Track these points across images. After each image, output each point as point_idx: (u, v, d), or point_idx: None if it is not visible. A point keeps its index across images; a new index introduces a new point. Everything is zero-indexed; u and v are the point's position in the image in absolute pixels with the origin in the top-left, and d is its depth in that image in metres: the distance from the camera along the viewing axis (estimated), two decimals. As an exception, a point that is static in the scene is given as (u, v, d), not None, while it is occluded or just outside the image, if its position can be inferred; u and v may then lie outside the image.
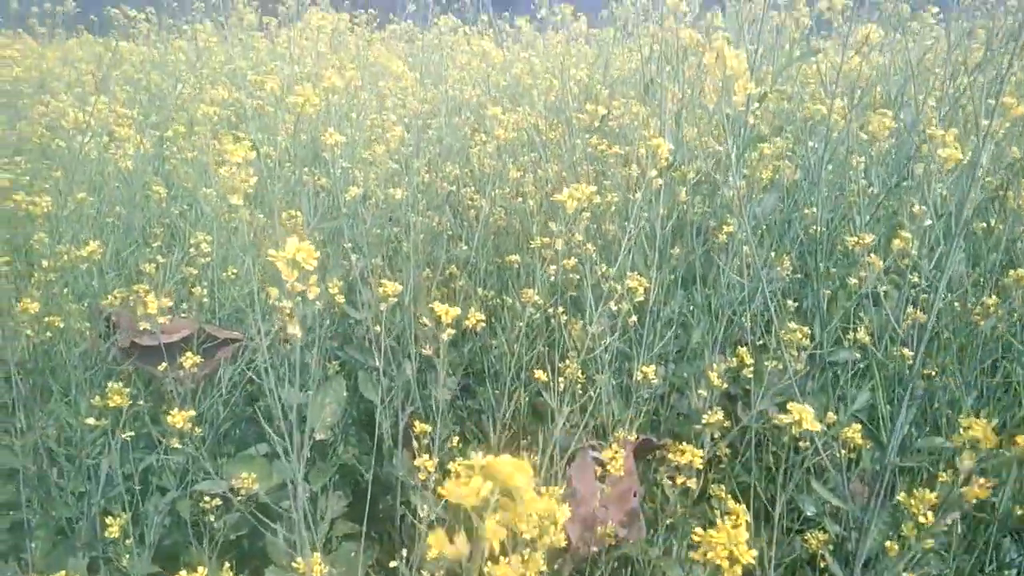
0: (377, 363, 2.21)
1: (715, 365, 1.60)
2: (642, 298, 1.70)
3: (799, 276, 2.24)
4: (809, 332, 1.62)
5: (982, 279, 1.73)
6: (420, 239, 2.82)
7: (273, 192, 2.37)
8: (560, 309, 2.03)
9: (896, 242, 1.41)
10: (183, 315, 2.55)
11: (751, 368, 1.60)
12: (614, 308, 1.69)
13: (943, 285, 1.41)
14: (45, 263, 2.18)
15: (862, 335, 1.59)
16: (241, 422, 2.60)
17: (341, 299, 2.18)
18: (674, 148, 1.55)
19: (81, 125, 2.36)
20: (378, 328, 2.02)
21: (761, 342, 2.26)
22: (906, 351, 1.40)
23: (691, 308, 2.15)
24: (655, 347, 1.95)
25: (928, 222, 1.54)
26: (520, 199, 2.90)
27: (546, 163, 2.51)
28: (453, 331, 1.35)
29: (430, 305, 1.30)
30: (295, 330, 1.06)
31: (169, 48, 7.26)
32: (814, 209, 2.10)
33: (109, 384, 1.78)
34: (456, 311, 1.33)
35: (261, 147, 2.40)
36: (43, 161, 3.03)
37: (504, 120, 2.48)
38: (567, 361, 1.76)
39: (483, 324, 1.94)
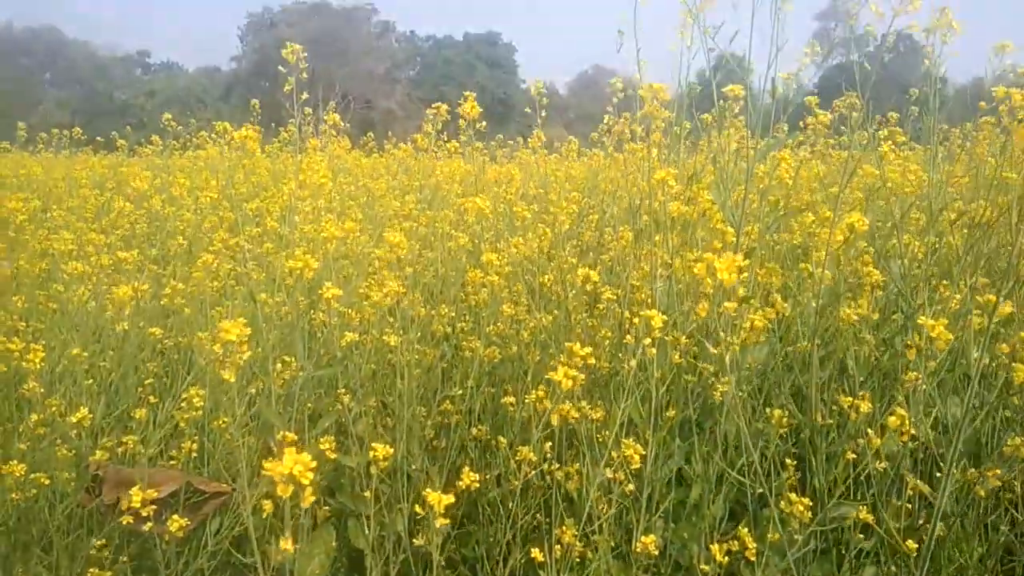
0: (368, 511, 2.16)
1: (715, 545, 1.56)
2: (638, 465, 1.68)
3: (796, 426, 2.23)
4: (808, 503, 1.59)
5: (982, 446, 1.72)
6: (415, 374, 2.81)
7: (267, 341, 2.38)
8: (556, 465, 2.01)
9: (891, 419, 1.40)
10: (171, 464, 2.52)
11: (752, 551, 1.56)
12: (611, 475, 1.67)
13: (949, 463, 1.40)
14: (35, 416, 2.16)
15: (864, 514, 1.56)
16: (227, 570, 2.51)
17: (332, 455, 2.14)
18: (666, 317, 1.56)
19: (79, 274, 2.39)
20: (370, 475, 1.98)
21: (760, 491, 2.22)
22: (911, 543, 1.37)
23: (690, 462, 2.12)
24: (654, 507, 1.91)
25: (923, 387, 1.54)
26: (516, 327, 2.93)
27: (539, 312, 2.53)
28: (447, 521, 1.32)
29: (423, 493, 1.27)
30: (287, 545, 1.03)
31: (172, 170, 7.49)
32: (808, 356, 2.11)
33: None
34: (449, 499, 1.30)
35: (259, 294, 2.42)
36: (41, 295, 3.05)
37: (498, 265, 2.52)
38: (564, 528, 1.72)
39: (477, 484, 1.91)
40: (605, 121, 3.15)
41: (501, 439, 2.64)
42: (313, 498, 1.06)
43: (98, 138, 9.40)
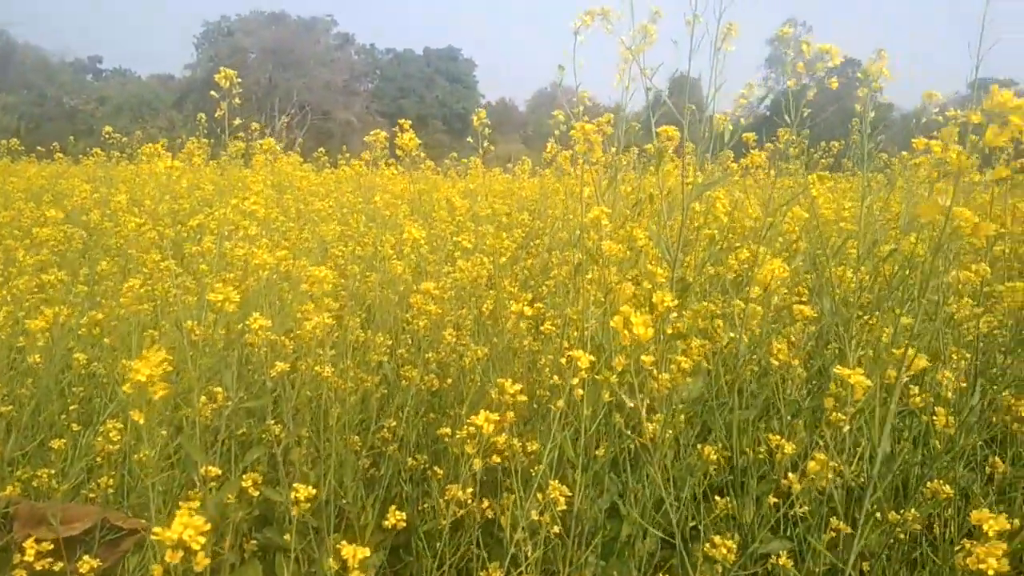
0: (296, 545, 2.09)
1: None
2: (564, 507, 1.65)
3: (728, 459, 2.23)
4: (732, 546, 1.59)
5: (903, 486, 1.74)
6: (351, 402, 2.76)
7: (193, 371, 2.30)
8: (486, 503, 1.97)
9: (812, 464, 1.41)
10: (90, 499, 2.42)
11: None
12: (536, 518, 1.64)
13: (866, 507, 1.40)
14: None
15: (783, 560, 1.56)
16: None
17: (256, 491, 2.07)
18: (595, 359, 1.54)
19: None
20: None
21: (693, 524, 2.22)
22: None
23: (621, 497, 2.10)
24: (585, 544, 1.89)
25: (846, 428, 1.55)
26: (457, 354, 2.90)
27: (476, 345, 2.50)
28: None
29: (337, 547, 1.22)
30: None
31: (115, 181, 7.28)
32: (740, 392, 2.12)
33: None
34: (365, 552, 1.26)
35: (184, 324, 2.34)
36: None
37: (437, 294, 2.49)
38: (488, 570, 1.69)
39: (403, 523, 1.86)
40: (548, 149, 3.16)
41: (437, 470, 2.59)
42: (207, 562, 1.01)
43: (38, 147, 9.13)
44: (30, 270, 2.88)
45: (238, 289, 2.57)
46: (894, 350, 1.22)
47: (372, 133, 2.83)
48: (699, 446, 1.98)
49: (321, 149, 8.49)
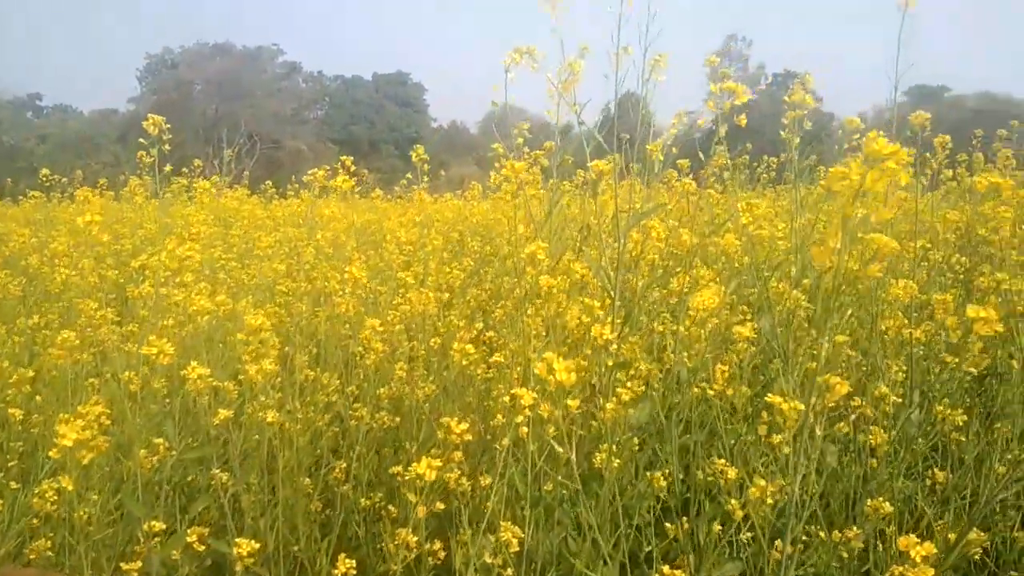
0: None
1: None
2: (517, 549, 1.64)
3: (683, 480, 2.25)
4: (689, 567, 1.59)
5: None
6: (300, 444, 2.71)
7: (133, 426, 2.24)
8: (438, 544, 1.95)
9: (752, 491, 1.42)
10: (27, 561, 2.33)
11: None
12: (489, 561, 1.63)
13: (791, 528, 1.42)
14: None
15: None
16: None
17: (201, 547, 2.02)
18: (537, 396, 1.54)
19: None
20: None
21: (648, 549, 2.23)
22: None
23: (579, 528, 2.10)
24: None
25: (786, 450, 1.57)
26: (409, 387, 2.88)
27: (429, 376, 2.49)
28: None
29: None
30: None
31: (55, 223, 7.09)
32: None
33: None
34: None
35: (122, 376, 2.28)
36: None
37: (382, 331, 2.47)
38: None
39: (354, 571, 1.83)
40: (492, 179, 3.18)
41: (392, 508, 2.56)
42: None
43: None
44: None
45: (178, 335, 2.53)
46: (818, 378, 1.25)
47: (310, 173, 2.81)
48: (648, 473, 1.99)
49: (268, 182, 8.40)
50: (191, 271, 2.30)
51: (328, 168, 3.01)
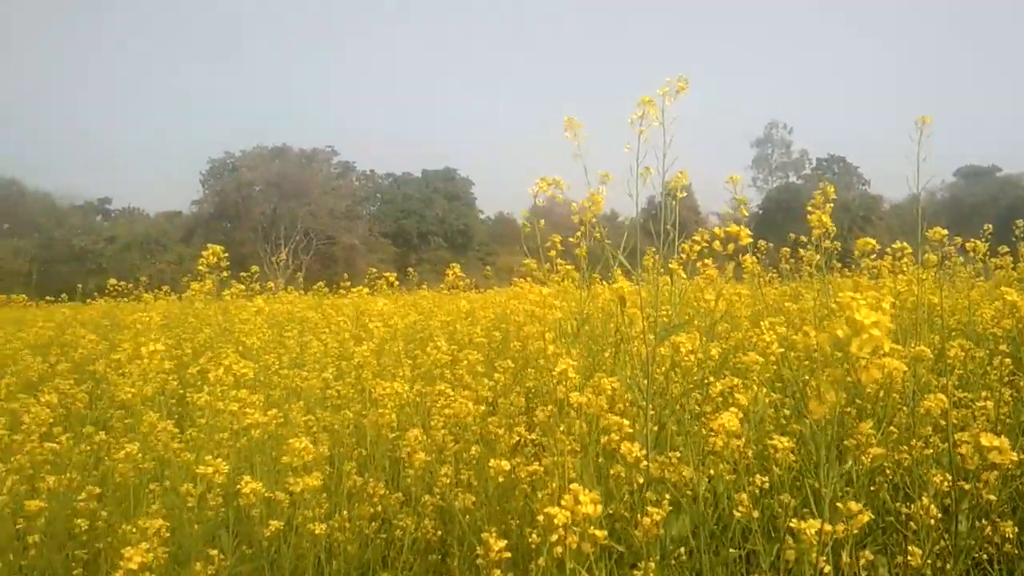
0: None
1: None
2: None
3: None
4: None
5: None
6: (349, 552, 2.76)
7: (191, 533, 2.34)
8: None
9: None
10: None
11: None
12: None
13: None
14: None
15: None
16: None
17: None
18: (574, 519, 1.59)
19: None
20: None
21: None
22: None
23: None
24: None
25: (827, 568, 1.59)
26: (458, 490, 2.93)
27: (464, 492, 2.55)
28: None
29: None
30: None
31: (120, 327, 7.45)
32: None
33: None
34: None
35: (180, 489, 2.40)
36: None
37: (424, 441, 2.56)
38: None
39: None
40: (527, 288, 3.33)
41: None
42: None
43: (47, 296, 9.40)
44: (35, 437, 2.96)
45: (233, 447, 2.65)
46: (839, 504, 1.28)
47: (356, 289, 2.98)
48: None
49: (321, 282, 8.73)
50: (245, 387, 2.44)
51: (375, 270, 3.19)
